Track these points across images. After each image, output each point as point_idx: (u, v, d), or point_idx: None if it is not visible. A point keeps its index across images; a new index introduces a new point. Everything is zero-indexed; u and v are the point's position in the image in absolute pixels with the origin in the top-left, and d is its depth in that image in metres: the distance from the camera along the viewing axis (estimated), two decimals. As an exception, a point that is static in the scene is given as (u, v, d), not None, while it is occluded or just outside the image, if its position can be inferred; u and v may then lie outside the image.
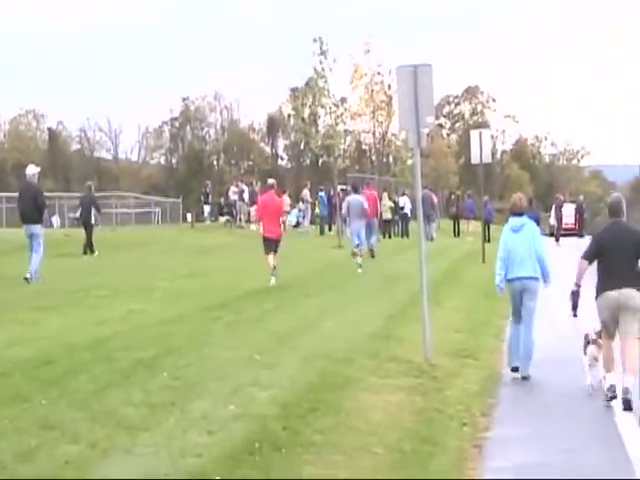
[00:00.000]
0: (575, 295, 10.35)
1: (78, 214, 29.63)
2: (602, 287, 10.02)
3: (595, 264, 10.20)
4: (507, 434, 8.79)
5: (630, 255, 9.96)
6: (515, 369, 11.53)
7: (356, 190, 25.61)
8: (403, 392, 9.92)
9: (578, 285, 10.30)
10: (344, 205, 24.55)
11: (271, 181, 21.09)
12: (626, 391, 9.49)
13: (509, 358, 11.75)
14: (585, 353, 10.69)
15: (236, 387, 9.19)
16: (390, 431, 8.30)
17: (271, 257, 19.40)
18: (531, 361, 11.46)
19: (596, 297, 10.10)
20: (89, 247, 28.19)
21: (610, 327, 10.05)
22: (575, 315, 10.46)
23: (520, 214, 11.84)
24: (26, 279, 18.49)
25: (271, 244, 19.51)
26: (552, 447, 8.25)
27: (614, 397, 9.66)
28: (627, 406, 9.45)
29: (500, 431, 8.87)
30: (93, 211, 28.95)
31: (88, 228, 28.49)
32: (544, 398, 10.45)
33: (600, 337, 10.36)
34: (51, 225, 40.58)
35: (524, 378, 11.35)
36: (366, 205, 24.26)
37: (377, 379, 10.33)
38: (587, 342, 10.68)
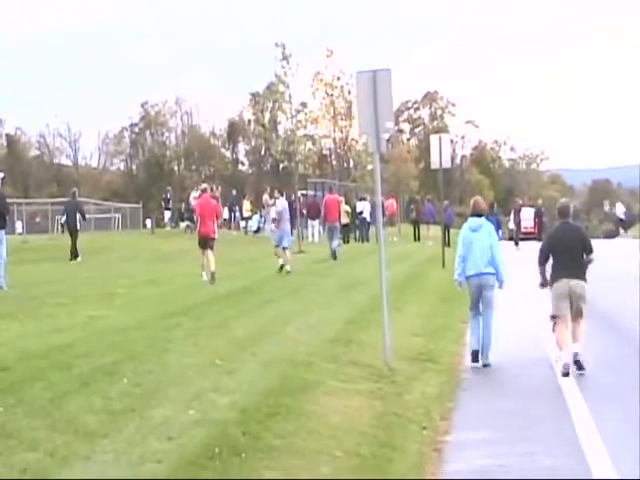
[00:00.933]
0: (543, 286, 12.28)
1: (63, 220, 29.86)
2: (555, 277, 11.89)
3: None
4: (467, 438, 8.84)
5: (576, 250, 11.88)
6: (475, 353, 12.34)
7: (283, 194, 26.41)
8: (363, 396, 9.96)
9: (544, 278, 12.18)
10: (273, 208, 25.53)
11: (204, 186, 23.73)
12: (576, 355, 11.44)
13: (470, 343, 12.60)
14: (554, 331, 11.99)
15: (197, 393, 9.16)
16: (350, 435, 8.32)
17: (208, 253, 21.04)
18: (490, 350, 12.34)
19: (550, 285, 12.00)
20: (74, 252, 28.56)
21: (562, 310, 11.81)
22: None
23: (479, 215, 12.67)
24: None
25: (206, 241, 21.36)
26: (512, 450, 8.30)
27: (567, 374, 11.21)
28: (579, 366, 11.38)
29: (460, 435, 8.91)
30: (78, 216, 29.23)
31: (74, 234, 28.76)
32: (504, 401, 10.51)
33: (554, 319, 12.01)
34: (14, 231, 40.54)
35: (485, 365, 12.21)
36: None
37: (337, 383, 10.36)
38: (554, 323, 12.01)
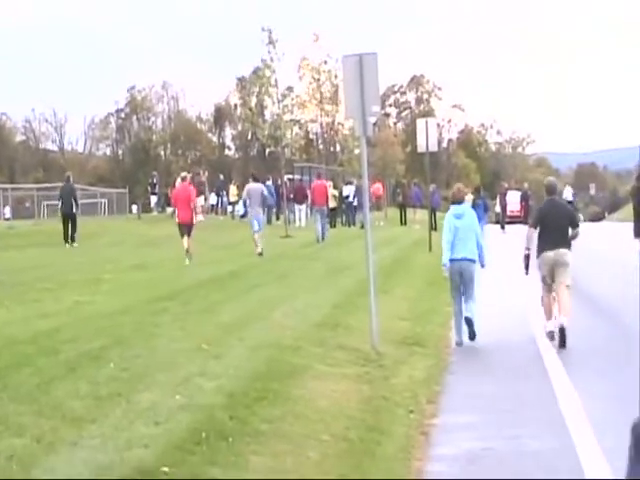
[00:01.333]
0: (526, 258, 12.85)
1: (60, 205, 29.76)
2: (542, 249, 12.51)
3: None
4: (454, 421, 8.85)
5: (563, 224, 12.50)
6: (459, 344, 12.62)
7: (255, 179, 26.48)
8: (350, 380, 9.96)
9: (528, 249, 12.81)
10: (244, 192, 25.78)
11: (183, 174, 24.95)
12: (562, 329, 11.88)
13: (455, 332, 12.83)
14: (543, 304, 12.61)
15: (184, 377, 9.15)
16: (337, 419, 8.33)
17: (185, 240, 22.03)
18: (475, 323, 12.56)
19: (537, 256, 12.56)
20: (72, 237, 28.66)
21: (548, 280, 12.44)
22: (527, 273, 12.94)
23: (460, 202, 13.02)
24: None
25: (184, 228, 22.13)
26: (499, 434, 8.32)
27: (552, 339, 12.01)
28: (562, 341, 11.87)
29: (447, 418, 8.92)
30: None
31: (71, 219, 28.61)
32: (491, 384, 10.54)
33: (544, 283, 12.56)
34: (1, 216, 40.52)
35: (466, 319, 12.52)
36: (265, 192, 26.13)
37: (325, 367, 10.36)
38: (542, 297, 12.59)
